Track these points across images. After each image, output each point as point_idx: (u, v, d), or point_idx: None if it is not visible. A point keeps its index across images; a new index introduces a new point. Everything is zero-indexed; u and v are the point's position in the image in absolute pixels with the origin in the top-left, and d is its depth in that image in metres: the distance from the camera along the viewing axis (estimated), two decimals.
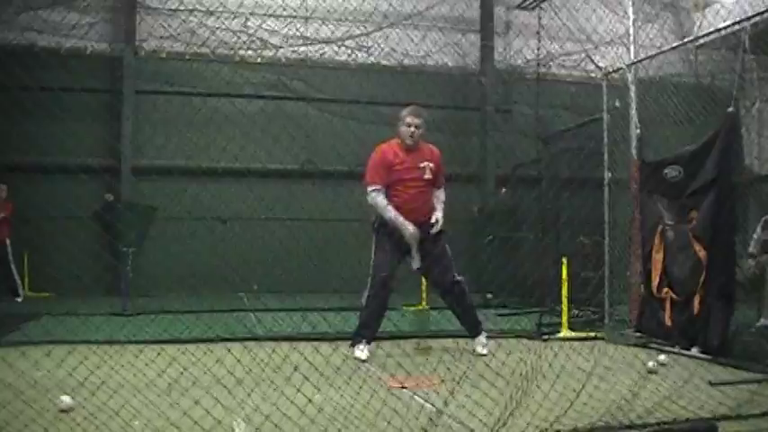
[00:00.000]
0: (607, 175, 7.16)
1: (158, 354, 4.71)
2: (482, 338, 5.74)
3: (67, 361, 4.25)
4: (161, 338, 6.20)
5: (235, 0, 12.22)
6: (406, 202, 5.43)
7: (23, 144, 10.99)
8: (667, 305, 5.97)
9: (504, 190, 11.94)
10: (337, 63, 13.09)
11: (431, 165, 5.54)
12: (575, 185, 8.80)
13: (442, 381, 4.34)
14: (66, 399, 3.64)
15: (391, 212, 5.37)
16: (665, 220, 6.12)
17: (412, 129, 5.46)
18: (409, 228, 5.37)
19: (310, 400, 3.53)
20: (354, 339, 5.54)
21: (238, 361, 4.61)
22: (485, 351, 5.60)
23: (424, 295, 9.52)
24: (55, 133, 10.95)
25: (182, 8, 12.20)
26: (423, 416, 3.45)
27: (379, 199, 5.42)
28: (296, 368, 4.43)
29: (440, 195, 5.69)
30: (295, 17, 12.78)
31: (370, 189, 5.44)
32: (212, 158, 11.73)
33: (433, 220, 5.47)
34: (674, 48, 7.36)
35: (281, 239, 10.51)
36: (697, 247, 5.64)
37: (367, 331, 5.49)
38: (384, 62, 13.22)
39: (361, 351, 5.38)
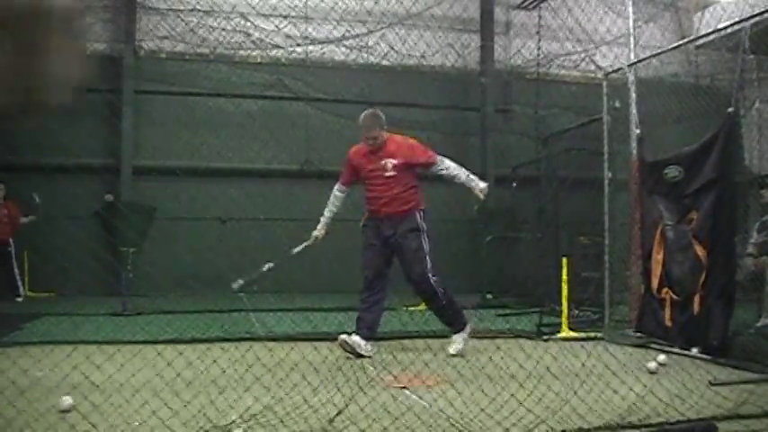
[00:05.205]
0: (607, 174, 7.16)
1: (158, 354, 4.70)
2: (456, 337, 5.61)
3: (67, 361, 4.25)
4: (160, 339, 6.21)
5: (234, 0, 12.23)
6: (376, 197, 5.70)
7: (23, 144, 10.98)
8: (667, 305, 5.96)
9: (514, 185, 11.94)
10: (337, 63, 13.09)
11: (392, 161, 5.62)
12: (574, 185, 8.80)
13: (449, 382, 4.33)
14: (66, 399, 3.63)
15: (327, 208, 5.96)
16: (665, 220, 6.11)
17: (362, 132, 5.77)
18: (320, 231, 5.95)
19: (323, 402, 3.52)
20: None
21: (236, 361, 4.61)
22: (453, 351, 5.50)
23: None
24: (55, 133, 10.93)
25: (181, 8, 12.22)
26: (425, 416, 3.45)
27: (333, 194, 5.96)
28: (296, 366, 4.43)
29: (442, 165, 5.79)
30: (295, 17, 12.78)
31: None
32: (212, 158, 11.74)
33: (477, 193, 5.92)
34: (674, 48, 7.36)
35: (281, 239, 10.49)
36: (697, 247, 5.64)
37: (364, 330, 5.52)
38: (384, 62, 13.22)
39: (349, 336, 5.46)
